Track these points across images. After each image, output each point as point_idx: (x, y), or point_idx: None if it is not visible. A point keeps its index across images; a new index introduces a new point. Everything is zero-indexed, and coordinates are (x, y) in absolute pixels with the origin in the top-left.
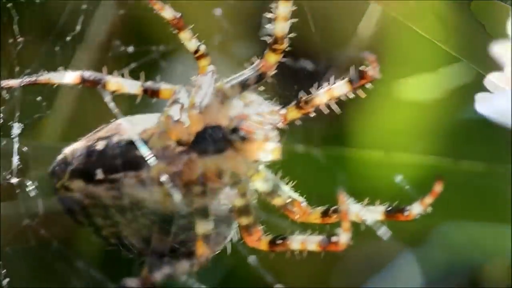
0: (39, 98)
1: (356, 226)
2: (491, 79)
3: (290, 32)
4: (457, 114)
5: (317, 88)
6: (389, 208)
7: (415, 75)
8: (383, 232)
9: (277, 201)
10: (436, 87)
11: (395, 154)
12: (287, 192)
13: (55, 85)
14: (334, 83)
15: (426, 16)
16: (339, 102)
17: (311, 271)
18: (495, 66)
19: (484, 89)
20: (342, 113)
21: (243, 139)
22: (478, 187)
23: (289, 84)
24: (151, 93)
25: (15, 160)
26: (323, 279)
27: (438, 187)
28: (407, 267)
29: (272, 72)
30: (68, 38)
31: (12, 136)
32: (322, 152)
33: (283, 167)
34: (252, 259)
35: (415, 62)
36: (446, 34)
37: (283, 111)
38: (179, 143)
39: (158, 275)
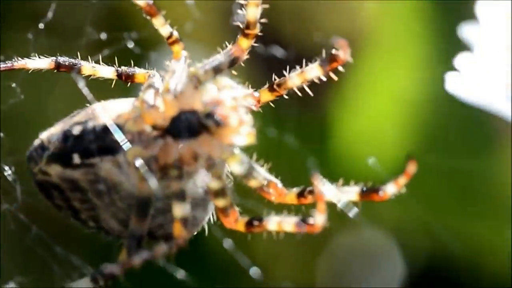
0: (13, 85)
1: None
2: (461, 59)
3: (261, 17)
4: (432, 102)
5: (290, 71)
6: (364, 189)
7: (393, 67)
8: (354, 213)
9: (253, 183)
10: (413, 76)
11: (370, 137)
12: (262, 174)
13: (30, 71)
14: (307, 66)
15: (400, 6)
16: (315, 87)
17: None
18: (465, 47)
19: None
20: (317, 98)
21: (218, 123)
22: (462, 182)
23: (261, 68)
24: (125, 78)
25: None
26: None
27: (411, 168)
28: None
29: (245, 57)
30: (41, 25)
31: None
32: (296, 136)
33: (257, 150)
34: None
35: (393, 54)
36: (420, 21)
37: (256, 94)
38: (154, 127)
39: (137, 259)
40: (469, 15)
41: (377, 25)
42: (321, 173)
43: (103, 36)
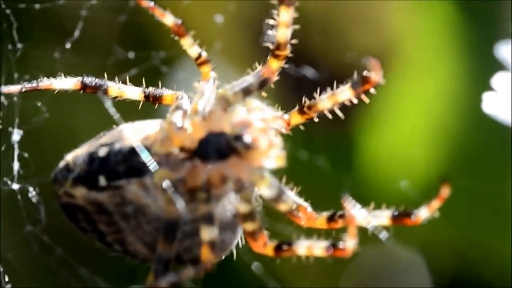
0: (39, 104)
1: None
2: (498, 79)
3: (292, 38)
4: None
5: (320, 93)
6: (396, 213)
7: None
8: (384, 236)
9: (282, 207)
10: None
11: (401, 160)
12: (292, 197)
13: (56, 91)
14: (337, 88)
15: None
16: (344, 107)
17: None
18: (501, 66)
19: (491, 89)
20: (346, 119)
21: (247, 145)
22: (487, 199)
23: (292, 90)
24: (152, 99)
25: (16, 166)
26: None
27: (445, 191)
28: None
29: (275, 78)
30: (68, 45)
31: (12, 143)
32: (326, 158)
33: (287, 173)
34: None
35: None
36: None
37: (286, 116)
38: (182, 149)
39: (164, 282)
40: (504, 33)
41: (408, 42)
42: (351, 196)
43: (131, 55)
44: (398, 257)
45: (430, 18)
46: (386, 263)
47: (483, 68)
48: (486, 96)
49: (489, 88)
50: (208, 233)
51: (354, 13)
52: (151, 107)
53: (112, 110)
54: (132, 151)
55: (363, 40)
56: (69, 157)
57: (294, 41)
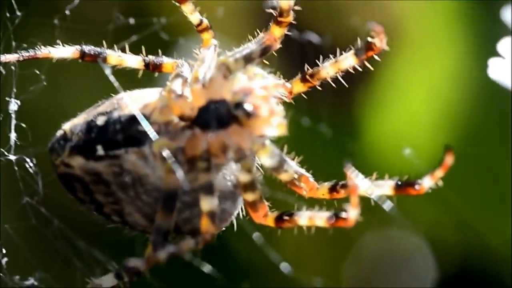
0: (37, 72)
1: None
2: (504, 44)
3: (295, 4)
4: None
5: (323, 60)
6: (399, 182)
7: (428, 57)
8: (388, 206)
9: (283, 177)
10: (449, 65)
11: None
12: (293, 167)
13: (54, 60)
14: (341, 55)
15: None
16: (349, 77)
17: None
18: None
19: (497, 54)
20: (350, 87)
21: (248, 114)
22: (501, 174)
23: (294, 57)
24: (152, 67)
25: (13, 136)
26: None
27: (449, 159)
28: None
29: (278, 46)
30: (67, 11)
31: (9, 112)
32: (329, 126)
33: (289, 142)
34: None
35: (429, 43)
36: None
37: (288, 84)
38: (182, 118)
39: (162, 254)
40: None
41: (411, 17)
42: (355, 165)
43: (131, 21)
44: (403, 240)
45: None
46: (389, 240)
47: (488, 39)
48: (492, 62)
49: (495, 54)
50: (208, 204)
51: None
52: (150, 75)
53: (111, 78)
54: (131, 120)
55: (367, 17)
56: (67, 126)
57: (297, 8)
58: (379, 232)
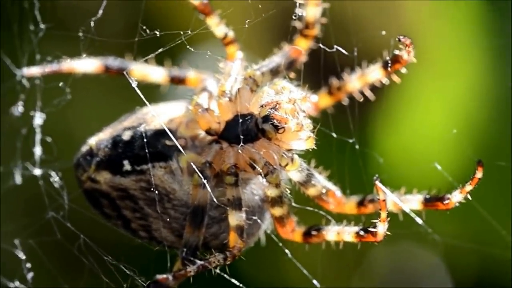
0: (61, 84)
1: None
2: None
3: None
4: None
5: (350, 74)
6: (428, 197)
7: (447, 68)
8: (420, 221)
9: (311, 191)
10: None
11: (425, 140)
12: (321, 181)
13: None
14: (367, 68)
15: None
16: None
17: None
18: None
19: None
20: (377, 100)
21: (276, 127)
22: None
23: (320, 70)
24: (177, 81)
25: (38, 151)
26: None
27: (479, 174)
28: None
29: (304, 58)
30: (91, 23)
31: (34, 127)
32: (357, 140)
33: (316, 156)
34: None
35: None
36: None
37: (315, 98)
38: (209, 132)
39: (191, 269)
40: None
41: (430, 29)
42: (382, 180)
43: (156, 35)
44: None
45: (451, 7)
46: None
47: (509, 50)
48: None
49: None
50: (235, 218)
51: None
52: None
53: (138, 91)
54: (157, 134)
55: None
56: (92, 140)
57: (323, 21)
58: (393, 247)
